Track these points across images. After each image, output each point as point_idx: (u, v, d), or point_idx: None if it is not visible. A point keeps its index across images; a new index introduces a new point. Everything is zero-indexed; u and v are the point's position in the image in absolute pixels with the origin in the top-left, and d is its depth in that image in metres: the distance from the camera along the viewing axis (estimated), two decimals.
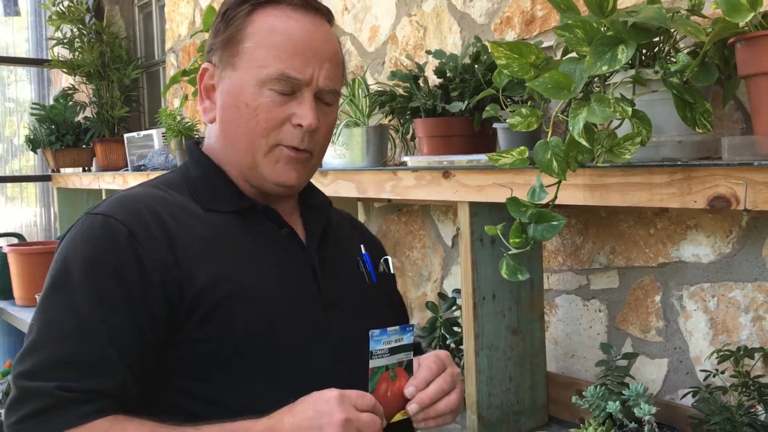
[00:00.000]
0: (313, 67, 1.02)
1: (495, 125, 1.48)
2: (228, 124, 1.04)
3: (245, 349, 0.96)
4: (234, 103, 1.02)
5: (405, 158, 1.64)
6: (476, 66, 1.54)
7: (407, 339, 0.96)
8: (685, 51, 1.12)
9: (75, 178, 3.53)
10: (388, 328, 0.95)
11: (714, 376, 1.32)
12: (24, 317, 2.99)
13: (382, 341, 0.94)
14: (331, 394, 0.88)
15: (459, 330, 1.74)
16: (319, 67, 1.02)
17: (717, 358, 1.29)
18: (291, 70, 1.01)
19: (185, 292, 0.93)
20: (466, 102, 1.49)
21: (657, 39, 1.15)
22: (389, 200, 2.08)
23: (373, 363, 0.94)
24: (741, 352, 1.27)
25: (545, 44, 1.57)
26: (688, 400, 1.37)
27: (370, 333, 0.94)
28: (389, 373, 0.95)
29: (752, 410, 1.23)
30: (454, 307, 1.78)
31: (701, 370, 1.40)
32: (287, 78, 1.00)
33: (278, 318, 0.99)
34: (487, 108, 1.39)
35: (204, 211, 1.02)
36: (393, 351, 0.95)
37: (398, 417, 0.95)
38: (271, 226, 1.06)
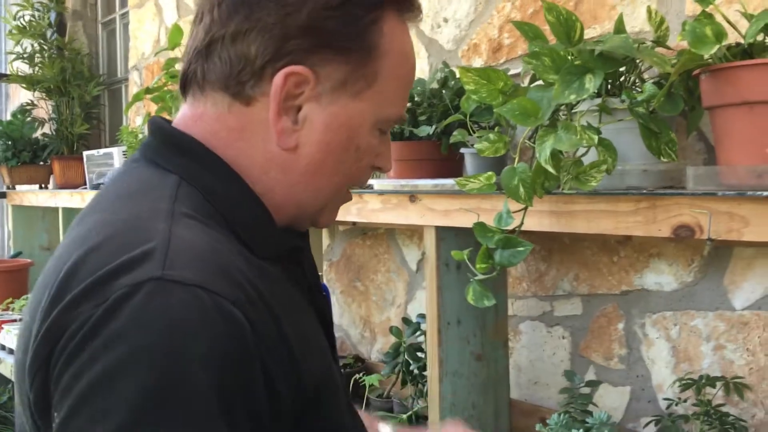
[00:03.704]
0: None
1: (462, 150, 1.48)
2: (323, 166, 0.76)
3: None
4: (346, 143, 0.76)
5: (371, 181, 1.63)
6: (444, 91, 1.55)
7: None
8: (650, 81, 1.13)
9: (31, 195, 3.44)
10: None
11: (676, 405, 1.32)
12: None
13: None
14: None
15: (423, 356, 1.73)
16: None
17: (679, 386, 1.30)
18: (404, 113, 0.82)
19: (298, 398, 0.68)
20: (433, 126, 1.49)
21: (623, 69, 1.17)
22: (354, 223, 2.07)
23: None
24: (703, 381, 1.28)
25: (512, 72, 1.58)
26: (651, 429, 1.37)
27: None
28: None
29: None
30: (418, 333, 1.77)
31: (664, 399, 1.41)
32: (400, 121, 0.82)
33: (339, 396, 0.80)
34: (454, 133, 1.40)
35: (258, 258, 0.72)
36: None
37: None
38: (296, 269, 0.82)
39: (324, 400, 0.73)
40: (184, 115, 0.77)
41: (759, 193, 0.94)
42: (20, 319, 2.78)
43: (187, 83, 0.77)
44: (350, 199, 0.85)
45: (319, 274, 0.99)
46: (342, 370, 2.04)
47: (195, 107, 0.76)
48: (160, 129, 0.77)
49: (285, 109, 0.73)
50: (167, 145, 0.75)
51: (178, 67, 2.05)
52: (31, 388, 0.63)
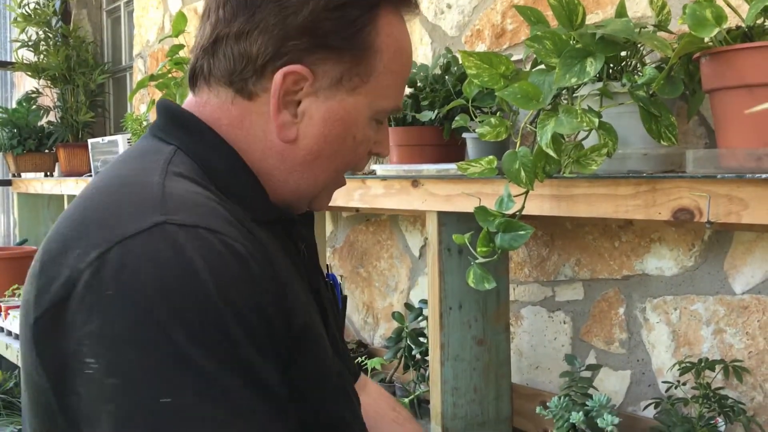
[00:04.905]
0: None
1: (464, 135, 1.49)
2: (320, 156, 0.80)
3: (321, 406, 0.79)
4: (343, 135, 0.80)
5: (374, 166, 1.64)
6: (447, 77, 1.55)
7: None
8: (652, 65, 1.14)
9: (36, 182, 3.46)
10: None
11: (675, 388, 1.33)
12: None
13: None
14: None
15: (425, 341, 1.74)
16: None
17: (679, 370, 1.31)
18: (401, 103, 0.86)
19: (288, 340, 0.71)
20: (436, 111, 1.50)
21: (624, 53, 1.17)
22: (357, 210, 2.08)
23: None
24: (702, 364, 1.29)
25: (515, 57, 1.58)
26: (650, 412, 1.38)
27: None
28: None
29: (713, 422, 1.24)
30: (420, 318, 1.78)
31: (663, 382, 1.42)
32: (396, 111, 0.86)
33: (333, 363, 0.83)
34: (456, 118, 1.40)
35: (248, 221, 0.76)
36: None
37: None
38: (288, 242, 0.85)
39: (310, 350, 0.75)
40: (189, 101, 0.83)
41: (758, 175, 0.94)
42: None
43: (195, 77, 0.82)
44: (344, 183, 0.89)
45: (327, 264, 1.00)
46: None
47: (200, 96, 0.81)
48: (165, 108, 0.82)
49: (285, 104, 0.77)
50: (170, 122, 0.80)
51: (182, 54, 2.07)
52: (34, 327, 0.65)
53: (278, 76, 0.75)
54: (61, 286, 0.63)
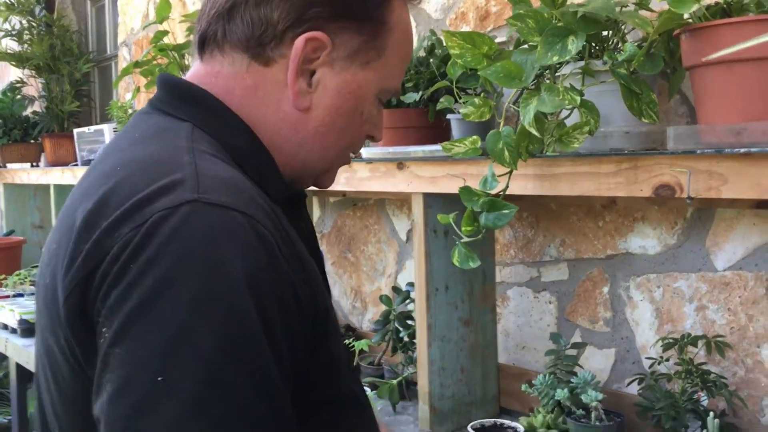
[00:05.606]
0: None
1: (449, 116, 1.50)
2: (331, 129, 0.81)
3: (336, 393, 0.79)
4: (353, 109, 0.81)
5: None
6: (431, 59, 1.56)
7: None
8: (634, 44, 1.14)
9: (22, 173, 3.44)
10: None
11: (659, 364, 1.34)
12: None
13: None
14: None
15: (412, 323, 1.75)
16: None
17: (662, 346, 1.32)
18: (400, 86, 0.89)
19: (315, 324, 0.71)
20: (420, 93, 1.50)
21: (606, 33, 1.18)
22: (344, 194, 2.09)
23: None
24: (685, 341, 1.30)
25: (499, 39, 1.59)
26: (634, 388, 1.39)
27: None
28: None
29: (695, 396, 1.26)
30: (408, 301, 1.79)
31: (647, 358, 1.43)
32: (395, 94, 0.89)
33: (343, 347, 0.84)
34: (441, 99, 1.41)
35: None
36: None
37: None
38: (294, 218, 0.83)
39: (331, 331, 0.75)
40: (197, 72, 0.80)
41: (737, 150, 0.96)
42: (14, 296, 2.80)
43: (206, 43, 0.80)
44: (349, 162, 0.90)
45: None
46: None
47: (211, 66, 0.80)
48: (170, 82, 0.80)
49: (301, 72, 0.77)
50: (178, 97, 0.78)
51: (167, 40, 2.06)
52: (64, 307, 0.65)
53: (300, 41, 0.75)
54: (84, 261, 0.63)
